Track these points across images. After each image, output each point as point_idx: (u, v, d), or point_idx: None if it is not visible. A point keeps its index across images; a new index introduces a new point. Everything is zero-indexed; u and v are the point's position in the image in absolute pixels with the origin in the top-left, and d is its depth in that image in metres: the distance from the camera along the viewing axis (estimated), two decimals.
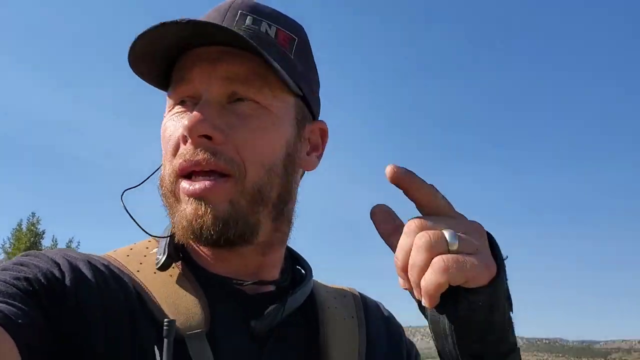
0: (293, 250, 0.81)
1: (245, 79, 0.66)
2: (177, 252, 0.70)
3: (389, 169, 0.51)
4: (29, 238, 20.52)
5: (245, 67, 0.66)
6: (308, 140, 0.74)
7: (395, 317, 0.86)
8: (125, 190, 0.72)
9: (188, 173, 0.65)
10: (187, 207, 0.64)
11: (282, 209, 0.70)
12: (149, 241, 0.74)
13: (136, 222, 0.71)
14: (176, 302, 0.64)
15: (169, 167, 0.67)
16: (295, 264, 0.80)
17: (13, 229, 20.76)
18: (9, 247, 20.05)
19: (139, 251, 0.72)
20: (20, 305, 0.53)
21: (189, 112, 0.65)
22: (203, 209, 0.63)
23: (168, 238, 0.70)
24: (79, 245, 21.57)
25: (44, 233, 21.44)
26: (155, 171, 0.73)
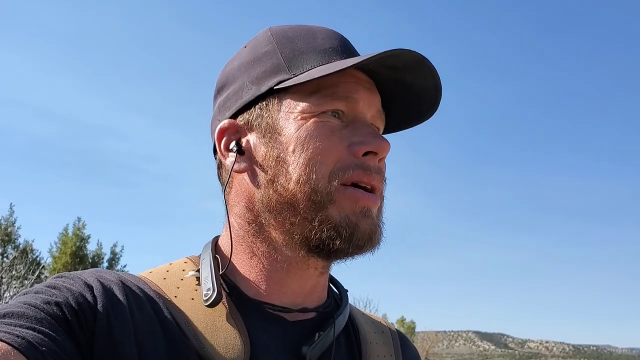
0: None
1: (383, 115, 0.72)
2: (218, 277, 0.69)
3: None
4: (75, 242, 20.62)
5: (380, 103, 0.72)
6: None
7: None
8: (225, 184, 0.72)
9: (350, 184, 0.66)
10: (360, 218, 0.65)
11: None
12: (185, 262, 0.72)
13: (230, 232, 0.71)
14: (215, 331, 0.63)
15: (324, 172, 0.65)
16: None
17: (60, 233, 21.10)
18: (56, 251, 20.38)
19: (175, 274, 0.69)
20: (47, 331, 0.52)
21: (342, 127, 0.68)
22: (372, 220, 0.66)
23: (212, 267, 0.68)
24: (122, 249, 21.84)
25: (89, 237, 21.52)
26: (232, 166, 0.71)
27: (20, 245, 19.98)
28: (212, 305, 0.64)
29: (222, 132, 0.72)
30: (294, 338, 0.67)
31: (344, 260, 0.68)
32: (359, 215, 0.65)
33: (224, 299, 0.66)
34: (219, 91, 0.76)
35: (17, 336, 0.50)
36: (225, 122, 0.72)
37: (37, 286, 0.60)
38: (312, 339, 0.67)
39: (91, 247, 21.50)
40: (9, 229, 19.98)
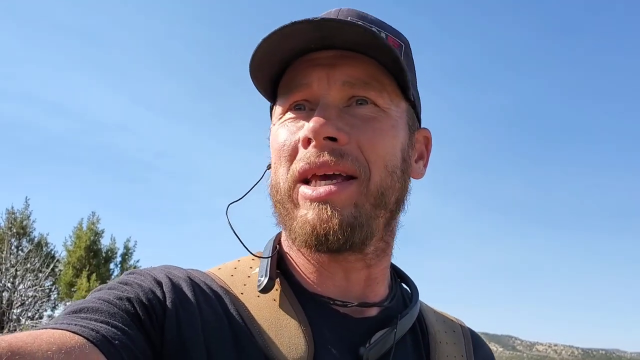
0: (397, 267, 0.79)
1: (364, 83, 0.65)
2: (277, 270, 0.69)
3: None
4: (89, 237, 20.63)
5: (364, 71, 0.65)
6: (415, 147, 0.73)
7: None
8: (230, 204, 0.70)
9: (308, 177, 0.63)
10: (309, 212, 0.62)
11: (395, 217, 0.68)
12: (253, 259, 0.72)
13: (241, 241, 0.69)
14: (279, 329, 0.63)
15: (284, 172, 0.65)
16: (399, 281, 0.78)
17: (74, 227, 21.19)
18: (71, 245, 20.49)
19: (242, 271, 0.70)
20: (120, 325, 0.54)
21: (304, 118, 0.65)
22: (328, 213, 0.61)
23: (269, 258, 0.69)
24: (136, 244, 21.91)
25: (103, 232, 21.50)
26: (259, 181, 0.72)
27: (35, 239, 20.17)
28: (264, 291, 0.66)
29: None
30: (356, 336, 0.66)
31: (339, 254, 0.65)
32: (310, 214, 0.62)
33: (284, 293, 0.67)
34: None
35: (92, 330, 0.52)
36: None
37: (110, 282, 0.62)
38: (369, 341, 0.65)
39: (105, 242, 21.47)
40: (25, 222, 20.12)
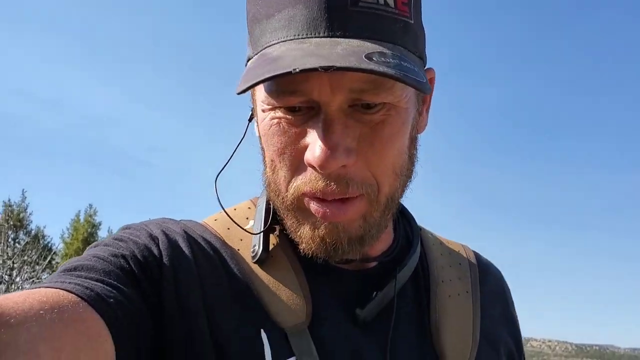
0: (402, 207, 0.75)
1: (374, 86, 0.54)
2: (273, 223, 0.66)
3: None
4: (87, 229, 20.85)
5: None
6: (422, 102, 0.64)
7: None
8: (218, 174, 0.65)
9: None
10: (320, 229, 0.58)
11: (404, 193, 0.64)
12: (249, 207, 0.70)
13: (230, 217, 0.66)
14: (277, 287, 0.62)
15: (285, 179, 0.59)
16: (401, 221, 0.75)
17: (71, 219, 21.27)
18: (68, 237, 20.56)
19: (239, 222, 0.67)
20: (115, 283, 0.53)
21: (302, 121, 0.57)
22: (338, 233, 0.58)
23: (262, 224, 0.66)
24: None
25: (100, 224, 21.73)
26: (237, 146, 0.66)
27: (32, 231, 20.17)
28: (258, 262, 0.63)
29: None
30: (353, 293, 0.65)
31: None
32: (321, 230, 0.59)
33: (281, 248, 0.65)
34: None
35: (86, 288, 0.51)
36: None
37: (105, 239, 0.61)
38: (367, 298, 0.64)
39: (102, 234, 21.78)
40: (21, 215, 20.11)
